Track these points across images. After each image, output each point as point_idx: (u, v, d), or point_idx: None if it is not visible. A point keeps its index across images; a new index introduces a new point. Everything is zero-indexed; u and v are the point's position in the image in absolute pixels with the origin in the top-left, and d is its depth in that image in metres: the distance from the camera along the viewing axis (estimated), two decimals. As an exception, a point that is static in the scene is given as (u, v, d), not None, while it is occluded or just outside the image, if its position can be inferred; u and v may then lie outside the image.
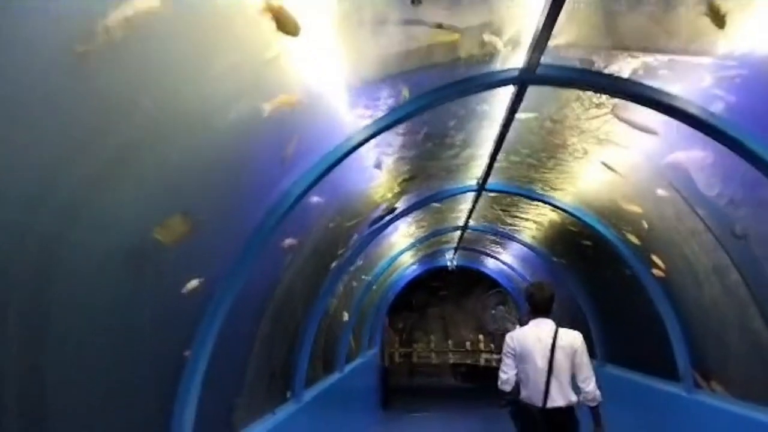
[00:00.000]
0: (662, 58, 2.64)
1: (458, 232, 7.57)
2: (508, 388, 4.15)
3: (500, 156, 4.08)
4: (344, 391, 6.88)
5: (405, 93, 2.88)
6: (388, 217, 5.01)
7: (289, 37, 2.04)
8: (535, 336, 4.06)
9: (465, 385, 17.44)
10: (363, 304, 7.95)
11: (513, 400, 4.19)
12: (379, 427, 9.95)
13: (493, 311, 16.71)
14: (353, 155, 3.07)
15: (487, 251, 9.56)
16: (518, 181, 5.00)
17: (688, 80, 2.73)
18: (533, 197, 5.05)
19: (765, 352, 3.35)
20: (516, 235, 7.36)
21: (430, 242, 8.33)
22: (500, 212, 6.55)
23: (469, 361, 17.55)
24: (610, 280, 5.61)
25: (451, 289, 18.82)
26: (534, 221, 6.50)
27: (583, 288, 6.66)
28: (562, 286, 7.06)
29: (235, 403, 3.34)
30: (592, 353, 6.24)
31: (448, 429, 10.01)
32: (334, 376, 6.43)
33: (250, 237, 2.79)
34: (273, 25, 1.97)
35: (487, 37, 2.57)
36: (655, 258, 4.41)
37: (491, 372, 15.45)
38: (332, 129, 2.98)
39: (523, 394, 4.08)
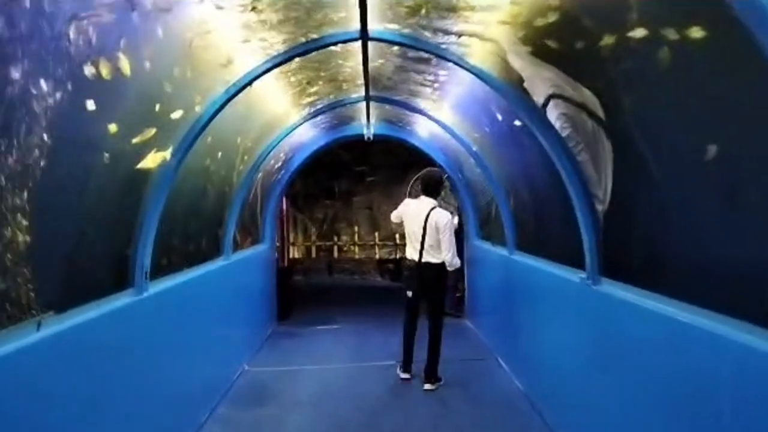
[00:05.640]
0: None
1: (359, 45, 4.31)
2: (395, 221, 6.27)
3: None
4: (147, 326, 3.86)
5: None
6: None
7: None
8: (416, 209, 5.86)
9: (393, 285, 15.00)
10: (201, 170, 4.83)
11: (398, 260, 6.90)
12: (250, 356, 7.21)
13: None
14: None
15: (414, 104, 6.42)
16: None
17: None
18: None
19: None
20: (460, 56, 4.24)
21: (315, 63, 5.11)
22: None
23: (398, 257, 15.10)
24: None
25: (379, 174, 15.89)
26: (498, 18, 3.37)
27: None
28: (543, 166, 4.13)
29: None
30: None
31: (349, 352, 7.36)
32: (122, 299, 3.50)
33: None
34: None
35: None
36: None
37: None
38: None
39: (408, 251, 5.94)
